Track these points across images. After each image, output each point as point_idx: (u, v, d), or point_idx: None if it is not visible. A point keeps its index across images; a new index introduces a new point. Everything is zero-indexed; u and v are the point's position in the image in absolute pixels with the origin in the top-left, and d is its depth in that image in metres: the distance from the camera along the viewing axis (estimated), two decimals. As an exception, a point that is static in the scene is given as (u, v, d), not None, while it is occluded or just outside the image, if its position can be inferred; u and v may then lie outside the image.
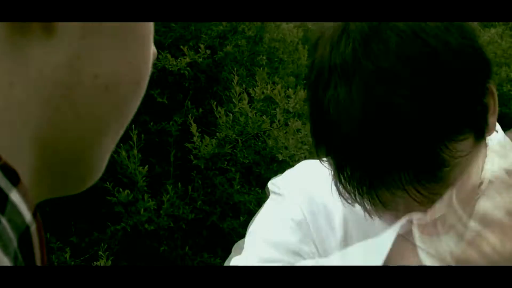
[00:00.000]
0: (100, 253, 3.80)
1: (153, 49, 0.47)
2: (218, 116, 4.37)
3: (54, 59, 0.37)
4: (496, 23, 6.00)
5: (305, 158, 4.49)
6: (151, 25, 0.44)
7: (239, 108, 4.31)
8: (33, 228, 0.36)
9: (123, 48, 0.41)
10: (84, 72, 0.39)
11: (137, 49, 0.42)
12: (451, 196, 0.90)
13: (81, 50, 0.38)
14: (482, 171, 0.93)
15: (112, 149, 0.45)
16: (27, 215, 0.36)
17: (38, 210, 0.37)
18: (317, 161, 1.06)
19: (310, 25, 7.50)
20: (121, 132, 0.45)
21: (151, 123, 4.61)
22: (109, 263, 3.70)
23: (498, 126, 1.00)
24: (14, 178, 0.35)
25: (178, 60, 4.39)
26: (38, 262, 0.37)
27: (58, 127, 0.39)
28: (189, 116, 4.36)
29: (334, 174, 0.86)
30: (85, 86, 0.39)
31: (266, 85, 4.40)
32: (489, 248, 0.86)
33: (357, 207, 0.96)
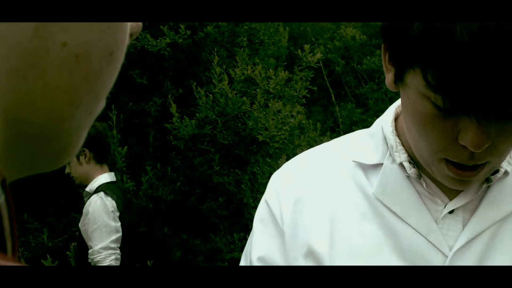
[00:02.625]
0: (78, 234, 3.78)
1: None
2: (198, 96, 4.35)
3: (19, 26, 0.36)
4: None
5: (285, 139, 4.49)
6: None
7: (219, 89, 4.29)
8: (2, 200, 0.35)
9: None
10: (52, 39, 0.37)
11: None
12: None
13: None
14: None
15: (89, 124, 0.43)
16: None
17: (6, 182, 0.35)
18: (298, 157, 1.09)
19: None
20: (97, 107, 0.43)
21: (130, 104, 4.58)
22: (87, 243, 3.68)
23: None
24: None
25: (158, 40, 4.35)
26: (8, 236, 0.36)
27: (25, 98, 0.37)
28: (169, 97, 4.33)
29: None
30: (53, 55, 0.37)
31: (247, 66, 4.38)
32: None
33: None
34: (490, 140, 0.82)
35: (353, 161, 1.02)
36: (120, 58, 0.42)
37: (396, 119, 1.01)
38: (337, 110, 9.39)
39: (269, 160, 4.55)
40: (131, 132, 4.55)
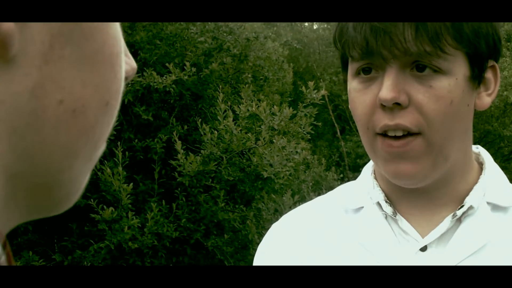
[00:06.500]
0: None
1: (131, 64, 0.46)
2: (203, 133, 4.36)
3: (15, 88, 0.36)
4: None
5: (290, 175, 4.48)
6: (120, 43, 0.42)
7: (224, 126, 4.31)
8: (3, 260, 0.35)
9: (88, 71, 0.39)
10: (48, 98, 0.37)
11: (104, 70, 0.40)
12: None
13: (43, 77, 0.37)
14: (470, 191, 0.97)
15: (89, 171, 0.44)
16: None
17: (7, 241, 0.36)
18: (295, 210, 1.15)
19: (295, 44, 7.55)
20: (97, 154, 0.43)
21: (136, 140, 4.59)
22: (92, 281, 3.66)
23: (490, 158, 1.04)
24: None
25: (164, 77, 4.39)
26: None
27: (24, 155, 0.38)
28: (174, 133, 4.35)
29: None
30: (50, 113, 0.38)
31: (251, 102, 4.40)
32: None
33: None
34: (403, 93, 0.88)
35: (339, 207, 1.08)
36: (116, 106, 0.42)
37: None
38: (343, 144, 9.39)
39: (274, 196, 4.53)
40: (137, 169, 4.56)
